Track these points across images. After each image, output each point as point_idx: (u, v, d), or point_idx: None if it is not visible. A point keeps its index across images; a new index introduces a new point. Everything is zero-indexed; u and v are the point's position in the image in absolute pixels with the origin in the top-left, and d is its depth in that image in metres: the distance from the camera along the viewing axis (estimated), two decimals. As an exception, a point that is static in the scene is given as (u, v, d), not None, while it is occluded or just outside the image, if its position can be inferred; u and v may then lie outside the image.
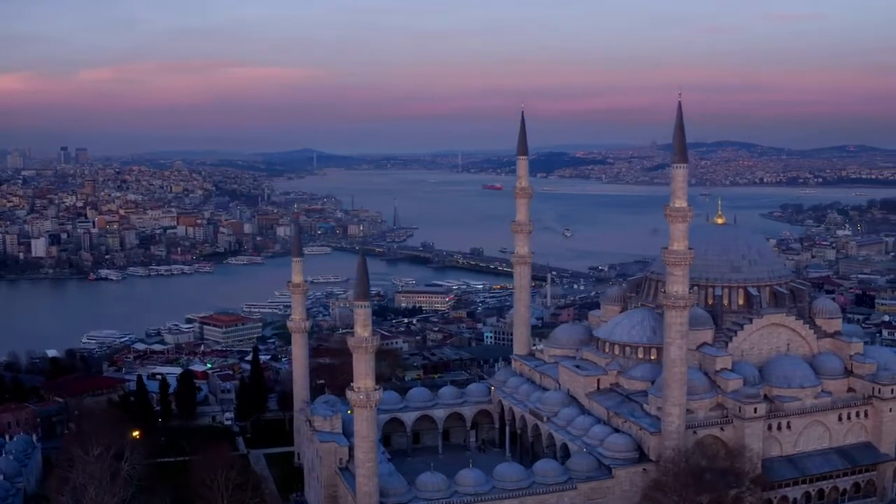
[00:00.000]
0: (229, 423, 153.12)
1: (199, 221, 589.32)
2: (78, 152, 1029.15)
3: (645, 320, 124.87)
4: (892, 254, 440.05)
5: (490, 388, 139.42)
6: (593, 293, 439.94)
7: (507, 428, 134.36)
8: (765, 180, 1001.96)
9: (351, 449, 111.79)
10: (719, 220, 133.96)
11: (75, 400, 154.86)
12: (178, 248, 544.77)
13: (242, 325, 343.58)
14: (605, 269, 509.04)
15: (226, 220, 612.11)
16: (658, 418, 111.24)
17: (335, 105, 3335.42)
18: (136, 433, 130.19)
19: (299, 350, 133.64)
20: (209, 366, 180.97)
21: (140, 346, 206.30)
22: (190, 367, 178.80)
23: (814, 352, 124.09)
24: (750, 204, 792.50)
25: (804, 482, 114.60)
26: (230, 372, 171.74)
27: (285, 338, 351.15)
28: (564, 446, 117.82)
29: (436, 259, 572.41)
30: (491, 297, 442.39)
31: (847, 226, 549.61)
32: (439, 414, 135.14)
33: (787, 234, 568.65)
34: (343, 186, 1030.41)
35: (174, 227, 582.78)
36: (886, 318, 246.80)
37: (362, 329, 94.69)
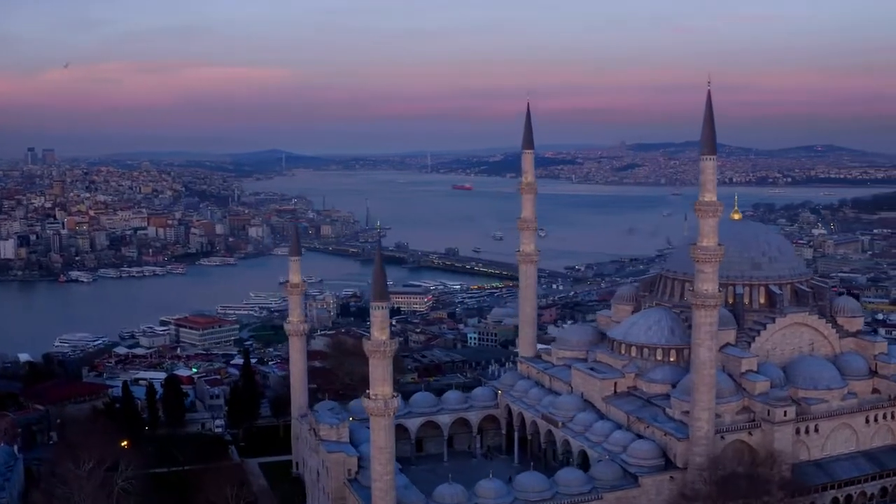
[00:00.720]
0: (220, 430, 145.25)
1: (169, 222, 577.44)
2: (45, 153, 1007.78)
3: (662, 320, 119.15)
4: (868, 252, 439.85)
5: (496, 393, 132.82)
6: (572, 293, 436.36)
7: (516, 434, 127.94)
8: (734, 180, 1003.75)
9: (360, 459, 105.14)
10: (736, 216, 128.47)
11: (57, 408, 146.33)
12: (150, 250, 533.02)
13: (219, 327, 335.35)
14: (582, 268, 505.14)
15: (197, 220, 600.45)
16: (683, 423, 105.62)
17: (304, 106, 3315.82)
18: (124, 443, 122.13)
19: (297, 354, 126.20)
20: (195, 370, 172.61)
21: (121, 350, 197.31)
22: (174, 372, 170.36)
23: (836, 352, 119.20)
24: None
25: (832, 487, 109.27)
26: (217, 377, 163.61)
27: (263, 340, 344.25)
28: (583, 453, 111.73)
29: (410, 259, 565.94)
30: (469, 298, 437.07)
31: (821, 225, 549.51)
32: (444, 420, 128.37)
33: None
34: (312, 187, 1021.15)
35: (145, 229, 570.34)
36: (880, 315, 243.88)
37: (380, 332, 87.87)
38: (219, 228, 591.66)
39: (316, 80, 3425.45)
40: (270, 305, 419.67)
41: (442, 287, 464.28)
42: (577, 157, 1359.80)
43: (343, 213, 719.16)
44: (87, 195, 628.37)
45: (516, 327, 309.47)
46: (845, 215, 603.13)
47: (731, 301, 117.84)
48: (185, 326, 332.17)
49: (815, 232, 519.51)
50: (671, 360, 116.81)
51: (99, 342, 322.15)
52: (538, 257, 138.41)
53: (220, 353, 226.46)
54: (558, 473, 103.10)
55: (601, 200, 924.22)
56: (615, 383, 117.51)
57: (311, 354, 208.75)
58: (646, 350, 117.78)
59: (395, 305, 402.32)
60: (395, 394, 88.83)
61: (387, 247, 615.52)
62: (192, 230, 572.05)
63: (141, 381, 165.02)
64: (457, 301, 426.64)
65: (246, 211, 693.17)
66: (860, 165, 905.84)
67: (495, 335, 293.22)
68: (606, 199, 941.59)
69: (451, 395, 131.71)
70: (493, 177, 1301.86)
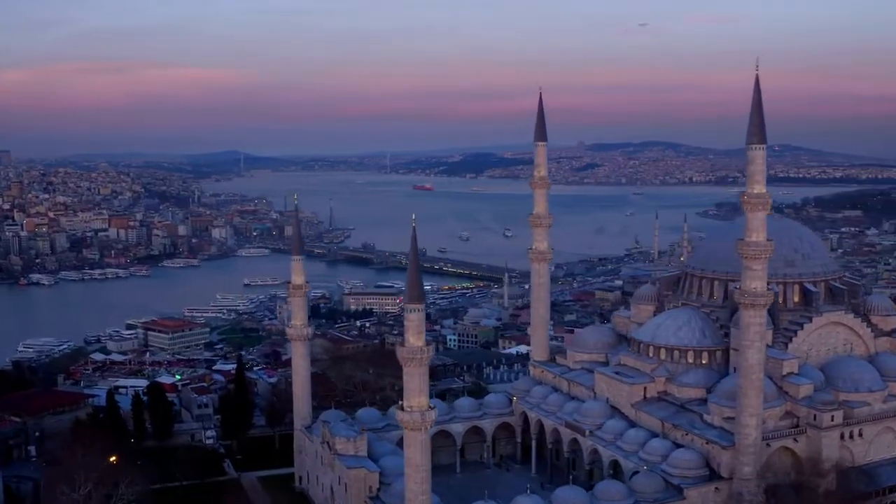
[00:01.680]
0: (211, 442, 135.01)
1: (131, 223, 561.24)
2: (0, 154, 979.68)
3: (692, 321, 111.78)
4: (840, 250, 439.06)
5: (511, 399, 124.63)
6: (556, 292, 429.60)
7: (533, 442, 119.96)
8: (694, 179, 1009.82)
9: (381, 475, 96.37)
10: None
11: (35, 419, 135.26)
12: (112, 251, 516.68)
13: (189, 330, 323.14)
14: (552, 268, 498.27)
15: (159, 221, 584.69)
16: (724, 430, 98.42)
17: (261, 106, 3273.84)
18: (113, 458, 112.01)
19: (301, 360, 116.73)
20: (178, 377, 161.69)
21: (98, 357, 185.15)
22: (157, 380, 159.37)
23: (870, 352, 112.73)
24: (682, 203, 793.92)
25: (877, 494, 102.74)
26: (204, 384, 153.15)
27: (234, 343, 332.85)
28: (614, 463, 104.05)
29: (377, 260, 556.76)
30: (441, 299, 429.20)
31: (798, 224, 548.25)
32: (457, 429, 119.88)
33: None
34: (272, 188, 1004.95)
35: (106, 230, 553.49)
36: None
37: (415, 337, 79.18)
38: (181, 230, 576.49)
39: (273, 80, 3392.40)
40: (238, 307, 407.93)
41: (398, 287, 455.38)
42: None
43: (307, 214, 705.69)
44: (46, 196, 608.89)
45: (496, 329, 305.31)
46: (809, 214, 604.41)
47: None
48: (154, 330, 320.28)
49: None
50: (703, 362, 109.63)
51: (64, 347, 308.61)
52: (552, 255, 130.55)
53: (203, 358, 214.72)
54: (597, 486, 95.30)
55: (563, 200, 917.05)
56: (645, 388, 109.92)
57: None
58: (676, 352, 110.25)
59: (367, 307, 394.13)
60: (433, 405, 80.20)
61: (354, 247, 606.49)
62: (155, 231, 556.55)
63: (121, 390, 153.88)
64: (428, 302, 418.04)
65: (207, 212, 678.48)
66: (818, 165, 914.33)
67: (475, 336, 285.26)
68: (569, 198, 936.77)
69: (464, 403, 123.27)
70: (452, 177, 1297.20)
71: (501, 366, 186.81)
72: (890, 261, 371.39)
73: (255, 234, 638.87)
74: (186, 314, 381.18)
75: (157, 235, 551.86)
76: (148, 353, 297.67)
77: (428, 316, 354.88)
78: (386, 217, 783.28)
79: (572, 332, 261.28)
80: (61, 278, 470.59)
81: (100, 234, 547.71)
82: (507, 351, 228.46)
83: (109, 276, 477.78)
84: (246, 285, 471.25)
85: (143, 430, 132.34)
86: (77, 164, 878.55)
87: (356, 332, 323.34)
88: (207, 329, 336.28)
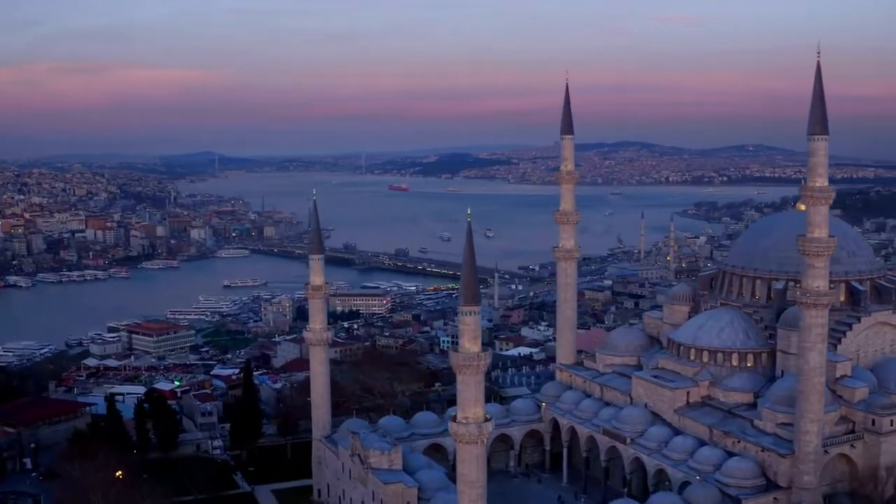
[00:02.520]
0: (218, 452, 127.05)
1: (108, 224, 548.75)
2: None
3: (735, 321, 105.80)
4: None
5: (539, 405, 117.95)
6: (531, 293, 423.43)
7: (564, 450, 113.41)
8: (670, 179, 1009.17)
9: (420, 490, 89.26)
10: (803, 207, 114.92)
11: (30, 430, 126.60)
12: (90, 253, 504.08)
13: (174, 333, 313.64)
14: (537, 268, 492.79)
15: (137, 222, 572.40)
16: (778, 436, 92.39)
17: (235, 107, 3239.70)
18: (119, 473, 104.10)
19: (320, 367, 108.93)
20: (177, 384, 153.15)
21: (91, 362, 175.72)
22: (155, 386, 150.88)
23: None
24: (660, 202, 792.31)
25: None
26: (207, 391, 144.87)
27: (220, 346, 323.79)
28: (660, 472, 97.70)
29: (360, 260, 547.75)
30: (427, 300, 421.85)
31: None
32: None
33: (708, 231, 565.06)
34: (247, 188, 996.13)
35: (83, 231, 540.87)
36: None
37: (471, 342, 72.12)
38: (160, 230, 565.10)
39: (247, 81, 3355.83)
40: (221, 309, 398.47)
41: (397, 288, 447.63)
42: (511, 157, 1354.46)
43: (285, 215, 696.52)
44: (22, 197, 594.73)
45: (489, 330, 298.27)
46: (788, 213, 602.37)
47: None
48: (139, 333, 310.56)
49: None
50: (748, 365, 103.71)
51: (45, 350, 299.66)
52: (579, 253, 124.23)
53: (201, 362, 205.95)
54: (652, 499, 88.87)
55: (541, 200, 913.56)
56: (688, 393, 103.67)
57: (299, 363, 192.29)
58: (720, 355, 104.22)
59: (354, 308, 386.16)
60: (489, 416, 73.19)
61: (335, 248, 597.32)
62: (133, 232, 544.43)
63: (117, 397, 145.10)
64: (415, 303, 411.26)
65: (185, 213, 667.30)
66: (793, 165, 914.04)
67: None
68: (546, 198, 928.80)
69: (491, 409, 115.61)
70: (428, 178, 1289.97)
71: (509, 369, 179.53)
72: (887, 258, 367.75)
73: (234, 234, 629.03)
74: (169, 316, 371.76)
75: (136, 236, 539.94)
76: (133, 357, 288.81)
77: (418, 317, 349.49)
78: (364, 217, 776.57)
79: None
80: (39, 280, 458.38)
81: (77, 235, 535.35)
82: (508, 353, 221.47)
83: (88, 278, 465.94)
84: (226, 287, 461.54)
85: (146, 440, 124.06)
86: (51, 166, 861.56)
87: (344, 334, 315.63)
88: (193, 332, 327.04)
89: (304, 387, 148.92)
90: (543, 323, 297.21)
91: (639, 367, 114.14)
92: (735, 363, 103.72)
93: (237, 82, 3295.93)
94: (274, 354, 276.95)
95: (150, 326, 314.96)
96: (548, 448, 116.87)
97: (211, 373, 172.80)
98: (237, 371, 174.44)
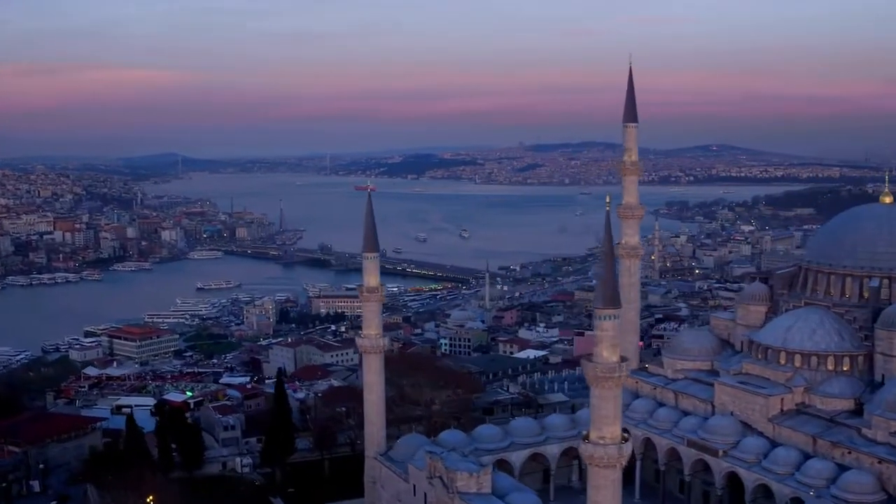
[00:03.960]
0: (248, 470, 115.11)
1: (77, 226, 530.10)
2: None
3: (825, 322, 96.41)
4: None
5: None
6: (517, 294, 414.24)
7: (638, 464, 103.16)
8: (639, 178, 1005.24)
9: (515, 516, 78.47)
10: (887, 199, 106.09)
11: (37, 448, 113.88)
12: (60, 255, 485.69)
13: (157, 337, 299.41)
14: (517, 268, 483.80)
15: (106, 224, 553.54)
16: (892, 446, 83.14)
17: (198, 108, 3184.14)
18: (150, 499, 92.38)
19: (375, 377, 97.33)
20: (189, 394, 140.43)
21: (92, 372, 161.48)
22: (164, 397, 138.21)
23: None
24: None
25: None
26: (227, 402, 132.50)
27: (204, 350, 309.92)
28: (762, 488, 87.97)
29: (337, 262, 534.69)
30: (412, 301, 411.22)
31: (753, 222, 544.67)
32: (552, 451, 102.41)
33: (685, 230, 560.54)
34: (212, 189, 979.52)
35: (51, 233, 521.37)
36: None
37: (610, 351, 61.67)
38: (130, 232, 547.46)
39: (210, 82, 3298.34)
40: (200, 312, 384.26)
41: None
42: (476, 158, 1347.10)
43: (257, 216, 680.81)
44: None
45: (485, 332, 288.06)
46: (761, 212, 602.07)
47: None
48: (120, 337, 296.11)
49: (745, 228, 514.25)
50: (844, 369, 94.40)
51: (22, 357, 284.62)
52: (643, 251, 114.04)
53: (210, 371, 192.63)
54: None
55: (511, 200, 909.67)
56: (781, 400, 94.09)
57: (311, 370, 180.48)
58: (814, 359, 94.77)
59: (338, 310, 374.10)
60: (626, 435, 62.72)
61: (310, 249, 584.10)
62: (103, 234, 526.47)
63: (124, 409, 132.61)
64: (400, 304, 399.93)
65: (154, 214, 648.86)
66: (758, 164, 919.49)
67: (468, 340, 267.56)
68: (516, 199, 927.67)
69: (556, 421, 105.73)
70: (393, 178, 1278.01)
71: (536, 373, 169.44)
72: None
73: (205, 236, 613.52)
74: (147, 320, 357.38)
75: (106, 238, 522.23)
76: (115, 363, 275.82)
77: (408, 319, 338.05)
78: (334, 218, 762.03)
79: (582, 334, 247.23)
80: (8, 283, 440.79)
81: (45, 237, 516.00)
82: (521, 356, 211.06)
83: (59, 281, 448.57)
84: (199, 289, 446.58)
85: (169, 459, 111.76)
86: (13, 167, 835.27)
87: (331, 337, 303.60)
88: (176, 336, 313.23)
89: (329, 396, 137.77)
90: (542, 324, 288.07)
91: (712, 372, 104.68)
92: (830, 367, 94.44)
93: (200, 83, 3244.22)
94: (265, 359, 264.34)
95: (131, 331, 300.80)
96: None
97: (220, 381, 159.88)
98: (249, 379, 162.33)
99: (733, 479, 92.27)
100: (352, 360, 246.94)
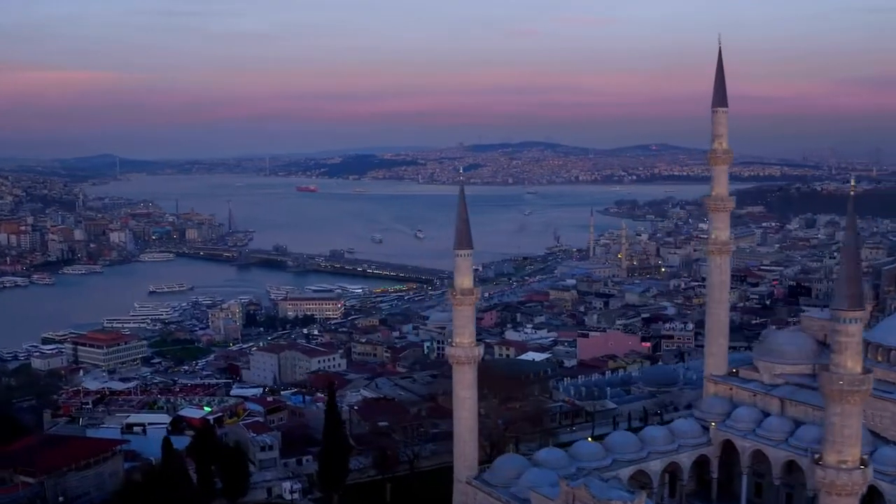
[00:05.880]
0: (296, 497, 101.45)
1: (22, 228, 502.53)
2: None
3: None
4: (777, 245, 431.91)
5: (704, 427, 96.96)
6: (486, 294, 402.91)
7: (744, 478, 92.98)
8: (581, 178, 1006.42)
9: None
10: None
11: (54, 478, 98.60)
12: (7, 259, 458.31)
13: (125, 344, 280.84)
14: (480, 268, 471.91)
15: (52, 226, 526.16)
16: None
17: (134, 109, 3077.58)
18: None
19: (467, 391, 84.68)
20: (207, 409, 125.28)
21: (91, 385, 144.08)
22: (180, 413, 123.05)
23: None
24: (576, 201, 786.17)
25: None
26: (260, 420, 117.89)
27: (172, 357, 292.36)
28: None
29: (294, 263, 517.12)
30: (382, 303, 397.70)
31: (705, 220, 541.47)
32: (655, 467, 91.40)
33: (640, 228, 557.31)
34: (151, 191, 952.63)
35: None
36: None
37: (854, 360, 50.71)
38: (77, 234, 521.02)
39: (146, 83, 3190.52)
40: (162, 316, 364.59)
41: (340, 291, 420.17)
42: (417, 158, 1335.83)
43: (206, 217, 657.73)
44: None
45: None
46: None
47: None
48: (85, 344, 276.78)
49: (702, 226, 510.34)
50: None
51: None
52: (733, 246, 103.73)
53: (222, 381, 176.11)
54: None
55: (456, 200, 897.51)
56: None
57: (323, 378, 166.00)
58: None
59: (307, 313, 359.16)
60: (866, 458, 51.86)
61: (265, 250, 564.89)
62: (51, 237, 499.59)
63: (135, 428, 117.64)
64: (368, 306, 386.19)
65: (100, 216, 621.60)
66: (699, 163, 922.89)
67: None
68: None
69: (655, 433, 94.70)
70: (334, 179, 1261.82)
71: (554, 379, 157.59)
72: (835, 254, 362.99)
73: (154, 237, 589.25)
74: (106, 325, 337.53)
75: (54, 240, 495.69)
76: (81, 372, 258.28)
77: (384, 321, 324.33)
78: (281, 219, 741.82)
79: (587, 335, 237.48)
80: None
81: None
82: (526, 358, 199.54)
83: (8, 285, 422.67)
84: (151, 293, 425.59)
85: (211, 486, 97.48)
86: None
87: (303, 341, 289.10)
88: (145, 342, 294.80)
89: (366, 410, 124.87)
90: (528, 325, 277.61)
91: (814, 376, 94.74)
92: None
93: (136, 84, 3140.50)
94: (244, 365, 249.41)
95: (97, 337, 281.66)
96: (715, 475, 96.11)
97: (231, 393, 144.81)
98: (262, 390, 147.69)
99: (871, 492, 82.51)
100: (339, 365, 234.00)
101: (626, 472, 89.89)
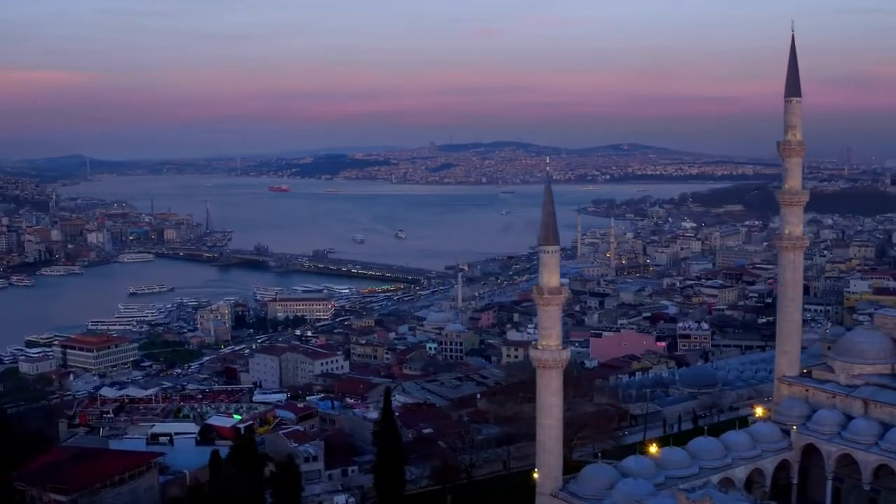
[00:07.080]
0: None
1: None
2: None
3: None
4: (764, 244, 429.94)
5: (784, 430, 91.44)
6: (476, 294, 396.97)
7: (829, 484, 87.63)
8: (554, 178, 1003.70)
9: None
10: None
11: (86, 496, 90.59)
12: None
13: (115, 346, 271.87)
14: (466, 268, 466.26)
15: (28, 227, 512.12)
16: None
17: (104, 110, 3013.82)
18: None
19: (553, 398, 77.99)
20: (237, 417, 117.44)
21: (109, 393, 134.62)
22: (208, 422, 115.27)
23: None
24: (557, 201, 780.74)
25: None
26: (300, 428, 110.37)
27: (164, 359, 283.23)
28: None
29: (276, 263, 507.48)
30: (373, 303, 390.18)
31: (686, 219, 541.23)
32: (738, 474, 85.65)
33: (624, 227, 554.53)
34: (123, 191, 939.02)
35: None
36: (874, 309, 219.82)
37: None
38: (54, 235, 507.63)
39: (115, 83, 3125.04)
40: (148, 318, 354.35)
41: (328, 292, 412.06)
42: (389, 158, 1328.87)
43: (183, 217, 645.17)
44: None
45: (477, 334, 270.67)
46: (691, 209, 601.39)
47: None
48: (75, 347, 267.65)
49: (685, 224, 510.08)
50: None
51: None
52: (807, 242, 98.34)
53: (245, 387, 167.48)
54: None
55: (434, 200, 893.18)
56: None
57: (354, 384, 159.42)
58: None
59: (298, 314, 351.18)
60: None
61: (246, 250, 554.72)
62: (27, 237, 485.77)
63: (162, 438, 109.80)
64: (359, 306, 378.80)
65: (75, 216, 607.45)
66: (671, 162, 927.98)
67: (461, 344, 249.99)
68: (438, 198, 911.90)
69: (737, 438, 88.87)
70: (306, 179, 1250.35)
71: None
72: (825, 252, 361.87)
73: (132, 238, 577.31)
74: (91, 327, 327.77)
75: (31, 241, 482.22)
76: (72, 376, 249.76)
77: (380, 322, 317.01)
78: (257, 219, 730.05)
79: (600, 335, 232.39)
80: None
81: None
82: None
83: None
84: (132, 294, 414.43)
85: (261, 503, 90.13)
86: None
87: (297, 342, 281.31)
88: (134, 345, 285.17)
89: (407, 416, 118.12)
90: (530, 326, 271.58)
91: (894, 376, 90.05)
92: None
93: (106, 84, 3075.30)
94: (242, 368, 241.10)
95: (87, 340, 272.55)
96: (795, 481, 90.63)
97: (253, 399, 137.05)
98: (286, 395, 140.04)
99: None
100: (342, 367, 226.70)
101: (713, 480, 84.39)
